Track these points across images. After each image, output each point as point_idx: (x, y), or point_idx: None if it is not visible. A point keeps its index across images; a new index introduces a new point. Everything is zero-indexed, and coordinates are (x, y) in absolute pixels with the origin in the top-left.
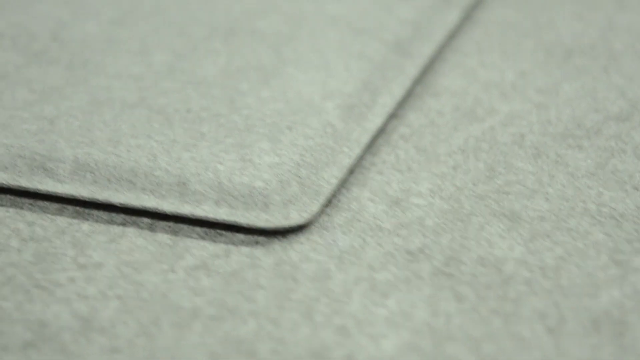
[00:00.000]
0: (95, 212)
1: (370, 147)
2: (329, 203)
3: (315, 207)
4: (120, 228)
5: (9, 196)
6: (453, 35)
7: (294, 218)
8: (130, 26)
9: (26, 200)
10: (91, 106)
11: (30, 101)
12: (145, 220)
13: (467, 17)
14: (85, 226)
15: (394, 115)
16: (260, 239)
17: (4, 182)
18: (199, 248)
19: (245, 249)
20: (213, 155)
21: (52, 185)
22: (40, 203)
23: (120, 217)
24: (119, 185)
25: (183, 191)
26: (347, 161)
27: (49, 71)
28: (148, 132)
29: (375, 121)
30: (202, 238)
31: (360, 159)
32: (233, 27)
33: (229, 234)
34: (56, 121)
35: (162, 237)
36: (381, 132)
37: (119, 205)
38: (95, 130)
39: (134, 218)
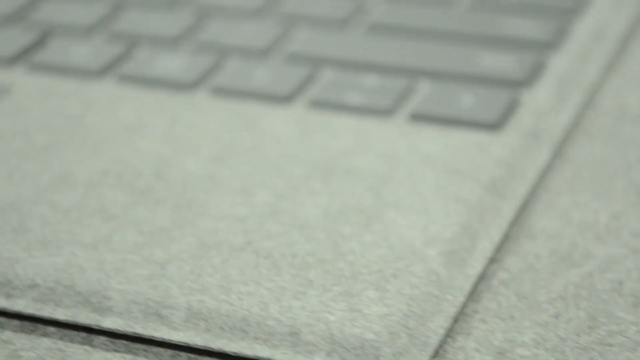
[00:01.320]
0: (207, 359)
1: (472, 293)
2: (436, 354)
3: (424, 359)
4: None
5: (123, 341)
6: (544, 174)
7: None
8: (230, 164)
9: (140, 346)
10: (199, 250)
11: (140, 244)
12: None
13: (557, 155)
14: None
15: (492, 259)
16: None
17: (119, 328)
18: None
19: None
20: (323, 305)
21: (167, 332)
22: (155, 349)
23: None
24: (231, 334)
25: (295, 341)
26: (452, 310)
27: (156, 211)
28: (257, 278)
29: (476, 267)
30: None
31: (463, 306)
32: (330, 166)
33: None
34: (167, 265)
35: None
36: (482, 277)
37: (232, 354)
38: (206, 275)
39: None
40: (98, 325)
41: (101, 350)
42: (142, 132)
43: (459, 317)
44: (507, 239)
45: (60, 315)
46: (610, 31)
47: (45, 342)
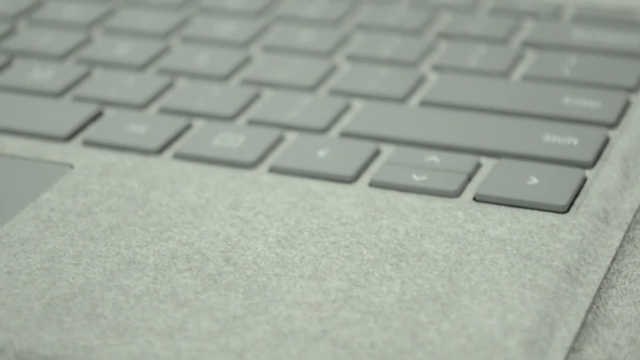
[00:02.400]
0: None
1: None
2: None
3: None
4: None
5: None
6: (616, 258)
7: None
8: (298, 247)
9: None
10: (276, 339)
11: (216, 331)
12: None
13: (628, 239)
14: None
15: (571, 349)
16: None
17: None
18: None
19: None
20: None
21: None
22: None
23: None
24: None
25: None
26: None
27: (228, 297)
28: None
29: (556, 357)
30: None
31: None
32: (401, 250)
33: None
34: (245, 355)
35: None
36: None
37: None
38: None
39: None
40: None
41: None
42: (207, 213)
43: None
44: (584, 326)
45: None
46: None
47: None
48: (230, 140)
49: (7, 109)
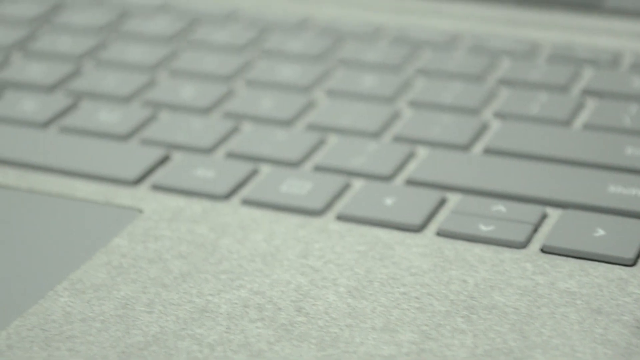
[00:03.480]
0: None
1: None
2: None
3: None
4: None
5: None
6: None
7: None
8: (369, 297)
9: None
10: None
11: None
12: None
13: None
14: None
15: None
16: None
17: None
18: None
19: None
20: None
21: None
22: None
23: None
24: None
25: None
26: None
27: (302, 348)
28: None
29: None
30: None
31: None
32: (471, 302)
33: None
34: None
35: None
36: None
37: None
38: None
39: None
40: None
41: None
42: (277, 261)
43: None
44: None
45: None
46: None
47: None
48: (297, 186)
49: (76, 151)
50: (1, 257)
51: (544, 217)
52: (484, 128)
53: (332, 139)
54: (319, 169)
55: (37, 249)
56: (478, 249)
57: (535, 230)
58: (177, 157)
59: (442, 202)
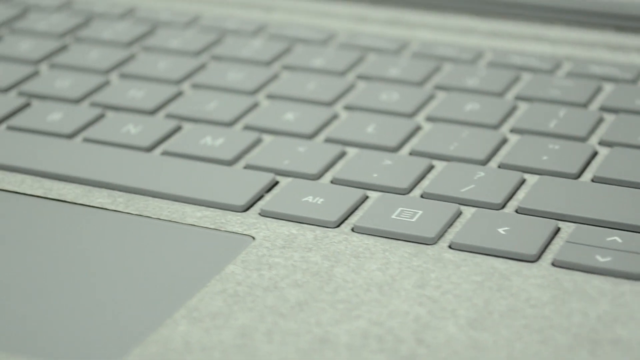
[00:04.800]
0: None
1: None
2: None
3: None
4: None
5: None
6: None
7: None
8: (490, 329)
9: None
10: None
11: None
12: None
13: None
14: None
15: None
16: None
17: None
18: None
19: None
20: None
21: None
22: None
23: None
24: None
25: None
26: None
27: None
28: None
29: None
30: None
31: None
32: (594, 336)
33: None
34: None
35: None
36: None
37: None
38: None
39: None
40: None
41: None
42: (394, 291)
43: None
44: None
45: None
46: None
47: None
48: (408, 214)
49: (183, 176)
50: (116, 283)
51: None
52: (592, 156)
53: (439, 166)
54: (428, 196)
55: (152, 274)
56: (596, 280)
57: None
58: (284, 183)
59: (555, 232)
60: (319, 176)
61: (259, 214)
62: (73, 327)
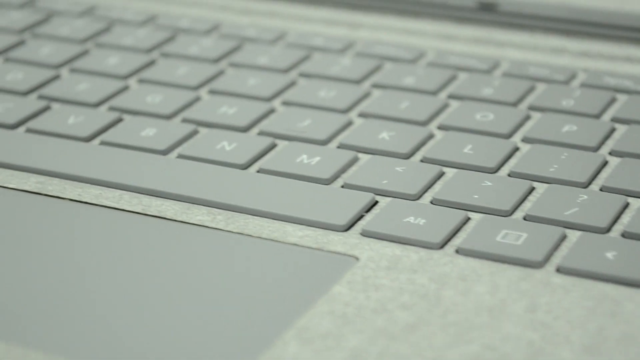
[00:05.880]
0: None
1: None
2: None
3: None
4: None
5: None
6: None
7: None
8: (605, 355)
9: None
10: None
11: None
12: None
13: None
14: None
15: None
16: None
17: None
18: None
19: None
20: None
21: None
22: None
23: None
24: None
25: None
26: None
27: None
28: None
29: None
30: None
31: None
32: None
33: None
34: None
35: None
36: None
37: None
38: None
39: None
40: None
41: None
42: (504, 315)
43: None
44: None
45: None
46: None
47: None
48: (513, 237)
49: (281, 194)
50: (223, 302)
51: None
52: None
53: (539, 187)
54: (530, 218)
55: (258, 294)
56: None
57: None
58: (384, 202)
59: None
60: (418, 196)
61: (361, 234)
62: (181, 348)
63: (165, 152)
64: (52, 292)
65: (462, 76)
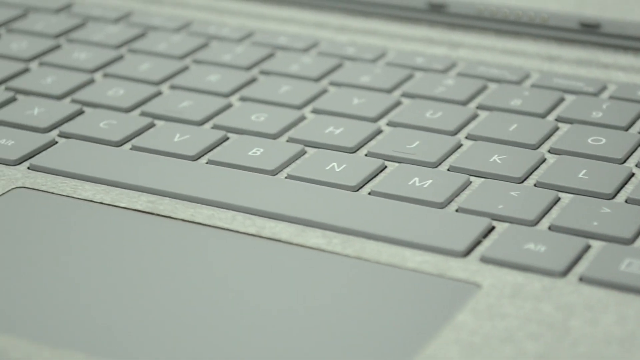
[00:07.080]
0: None
1: None
2: None
3: None
4: None
5: None
6: None
7: None
8: None
9: None
10: None
11: None
12: None
13: None
14: None
15: None
16: None
17: None
18: None
19: None
20: None
21: None
22: None
23: None
24: None
25: None
26: None
27: None
28: None
29: None
30: None
31: None
32: None
33: None
34: None
35: None
36: None
37: None
38: None
39: None
40: None
41: None
42: (636, 347)
43: None
44: None
45: None
46: None
47: None
48: (638, 266)
49: (396, 218)
50: (343, 328)
51: None
52: None
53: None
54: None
55: (380, 320)
56: None
57: None
58: (501, 228)
59: None
60: (536, 222)
61: (480, 260)
62: None
63: (274, 173)
64: (163, 313)
65: (570, 98)
